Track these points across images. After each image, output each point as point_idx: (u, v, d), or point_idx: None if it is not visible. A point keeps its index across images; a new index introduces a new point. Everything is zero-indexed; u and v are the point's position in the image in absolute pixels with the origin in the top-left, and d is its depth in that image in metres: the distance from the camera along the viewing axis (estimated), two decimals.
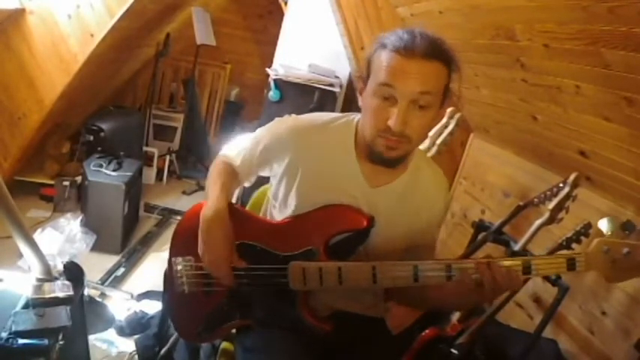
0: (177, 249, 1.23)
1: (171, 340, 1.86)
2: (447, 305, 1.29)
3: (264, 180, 1.30)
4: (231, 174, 1.26)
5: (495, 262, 0.98)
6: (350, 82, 3.34)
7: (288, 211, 1.17)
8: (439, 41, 0.99)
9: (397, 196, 1.14)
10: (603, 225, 0.96)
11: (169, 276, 1.23)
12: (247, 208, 1.45)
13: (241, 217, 1.18)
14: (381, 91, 0.99)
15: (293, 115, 1.22)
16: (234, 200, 1.24)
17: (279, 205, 1.20)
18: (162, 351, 1.86)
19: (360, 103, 1.09)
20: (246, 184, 1.33)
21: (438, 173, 1.21)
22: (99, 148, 3.22)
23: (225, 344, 1.35)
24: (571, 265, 0.96)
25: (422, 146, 2.12)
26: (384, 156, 1.04)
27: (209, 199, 1.17)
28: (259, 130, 1.24)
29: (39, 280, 1.31)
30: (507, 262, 1.00)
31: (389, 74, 0.98)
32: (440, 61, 0.98)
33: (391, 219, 1.14)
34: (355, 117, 1.16)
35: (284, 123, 1.20)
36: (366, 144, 1.08)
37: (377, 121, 1.01)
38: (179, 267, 1.19)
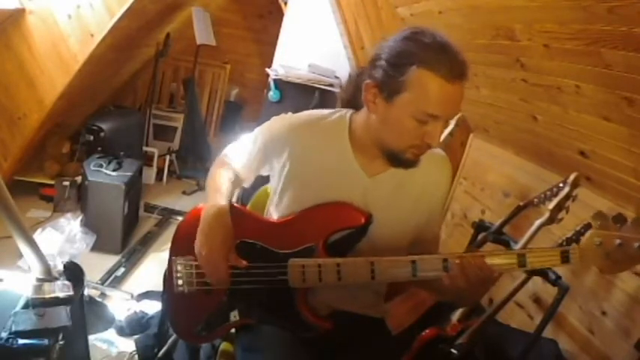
0: (178, 249, 1.23)
1: (171, 340, 1.85)
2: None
3: (265, 180, 1.30)
4: (232, 175, 1.27)
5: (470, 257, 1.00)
6: None
7: (288, 207, 1.17)
8: (463, 56, 0.99)
9: (397, 182, 1.14)
10: (594, 219, 0.98)
11: (169, 275, 1.23)
12: (248, 207, 1.45)
13: (241, 215, 1.19)
14: (423, 118, 0.99)
15: (289, 113, 1.23)
16: (234, 200, 1.24)
17: (279, 202, 1.21)
18: (162, 352, 1.85)
19: (368, 103, 1.06)
20: (246, 185, 1.34)
21: (436, 154, 1.19)
22: (99, 148, 3.22)
23: (225, 344, 1.35)
24: (565, 257, 0.98)
25: None
26: (411, 162, 1.07)
27: (210, 200, 1.17)
28: (257, 129, 1.25)
29: (39, 280, 1.31)
30: (503, 256, 1.00)
31: (438, 105, 0.98)
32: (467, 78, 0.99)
33: (392, 207, 1.14)
34: (347, 112, 1.17)
35: (280, 120, 1.21)
36: (386, 150, 1.07)
37: (412, 138, 1.02)
38: (179, 267, 1.20)
